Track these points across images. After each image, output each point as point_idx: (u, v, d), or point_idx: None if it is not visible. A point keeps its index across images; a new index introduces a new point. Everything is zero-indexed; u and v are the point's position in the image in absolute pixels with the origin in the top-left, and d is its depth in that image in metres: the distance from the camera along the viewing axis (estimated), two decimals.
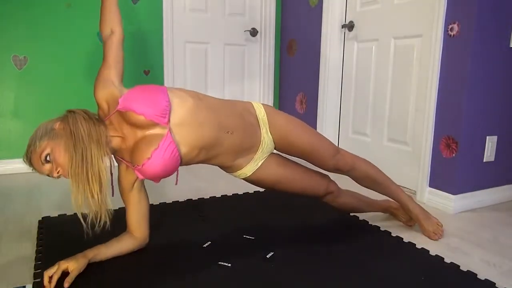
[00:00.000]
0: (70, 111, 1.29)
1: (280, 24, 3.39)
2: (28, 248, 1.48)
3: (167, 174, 1.30)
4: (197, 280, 1.26)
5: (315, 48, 2.99)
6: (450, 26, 1.99)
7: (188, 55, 3.09)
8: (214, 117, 1.34)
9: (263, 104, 1.52)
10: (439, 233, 1.65)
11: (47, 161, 1.21)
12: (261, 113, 1.47)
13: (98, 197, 1.20)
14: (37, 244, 1.51)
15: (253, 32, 3.25)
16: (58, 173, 1.22)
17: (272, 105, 1.47)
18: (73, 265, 1.20)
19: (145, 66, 2.90)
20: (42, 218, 1.76)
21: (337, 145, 1.66)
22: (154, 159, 1.24)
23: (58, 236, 1.49)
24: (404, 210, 1.71)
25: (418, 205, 1.69)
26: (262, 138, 1.45)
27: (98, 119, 1.30)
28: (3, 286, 1.22)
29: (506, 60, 2.03)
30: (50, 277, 1.17)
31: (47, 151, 1.20)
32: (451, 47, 1.99)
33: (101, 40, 2.74)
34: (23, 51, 2.56)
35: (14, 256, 1.43)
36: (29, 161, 1.23)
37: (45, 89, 2.65)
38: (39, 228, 1.66)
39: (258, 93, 3.40)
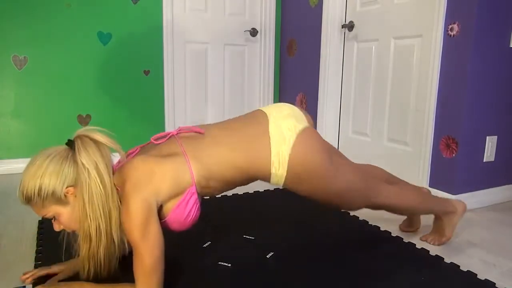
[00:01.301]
0: (83, 166, 1.04)
1: (280, 24, 3.39)
2: (28, 248, 1.49)
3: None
4: (197, 280, 1.26)
5: (315, 48, 2.99)
6: (450, 26, 1.99)
7: (188, 55, 3.09)
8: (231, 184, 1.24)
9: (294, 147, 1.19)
10: (436, 242, 1.60)
11: (50, 218, 1.12)
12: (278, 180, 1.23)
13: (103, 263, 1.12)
14: (37, 244, 1.51)
15: (253, 32, 3.25)
16: (60, 228, 1.14)
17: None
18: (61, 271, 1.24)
19: (145, 66, 2.90)
20: (42, 218, 1.75)
21: (376, 188, 1.39)
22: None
23: (58, 236, 1.48)
24: (436, 222, 1.62)
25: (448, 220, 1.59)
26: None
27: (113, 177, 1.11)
28: (3, 286, 1.22)
29: (506, 60, 2.03)
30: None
31: (52, 214, 1.09)
32: (451, 47, 1.99)
33: (101, 39, 2.76)
34: (23, 51, 2.56)
35: (14, 256, 1.43)
36: (27, 204, 1.08)
37: (45, 89, 2.64)
38: (39, 228, 1.66)
39: (258, 93, 3.40)
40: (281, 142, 1.18)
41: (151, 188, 1.06)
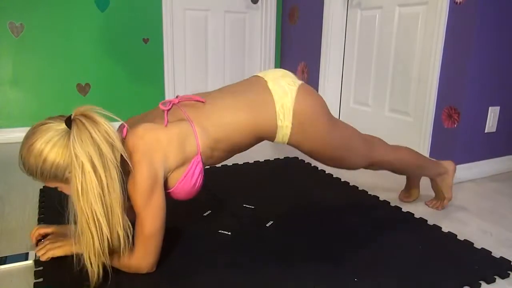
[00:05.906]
0: (76, 158, 0.95)
1: None
2: (30, 216, 1.50)
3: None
4: (197, 248, 1.28)
5: (318, 15, 2.92)
6: None
7: (187, 22, 3.03)
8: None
9: (295, 110, 1.22)
10: (439, 207, 1.67)
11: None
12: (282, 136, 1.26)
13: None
14: (39, 212, 1.53)
15: None
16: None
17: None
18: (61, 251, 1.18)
19: (144, 34, 2.85)
20: (44, 186, 1.77)
21: (372, 144, 1.45)
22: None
23: (59, 204, 1.51)
24: (433, 186, 1.69)
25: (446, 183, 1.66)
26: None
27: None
28: (7, 251, 1.24)
29: None
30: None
31: (55, 186, 1.06)
32: (457, 15, 1.94)
33: (98, 6, 2.70)
34: (19, 18, 2.50)
35: (16, 224, 1.45)
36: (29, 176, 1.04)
37: (43, 57, 2.61)
38: (41, 196, 1.67)
39: (259, 61, 3.35)
40: (283, 96, 1.22)
41: (159, 155, 1.07)
